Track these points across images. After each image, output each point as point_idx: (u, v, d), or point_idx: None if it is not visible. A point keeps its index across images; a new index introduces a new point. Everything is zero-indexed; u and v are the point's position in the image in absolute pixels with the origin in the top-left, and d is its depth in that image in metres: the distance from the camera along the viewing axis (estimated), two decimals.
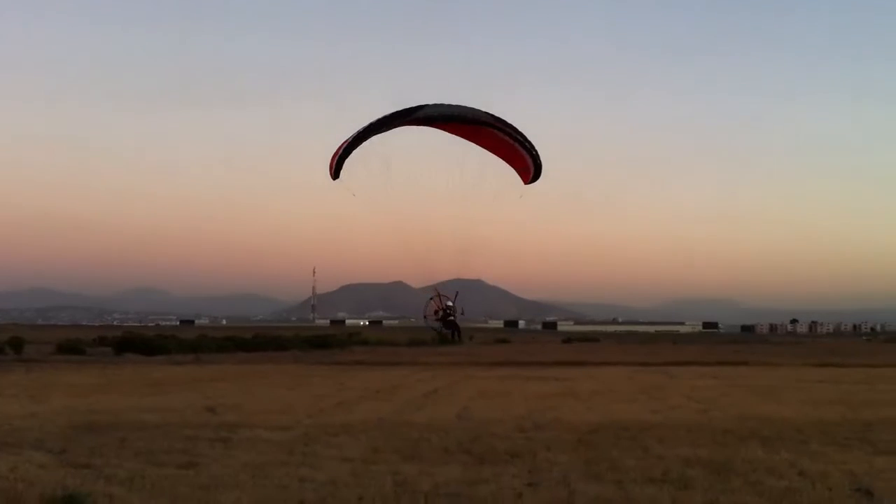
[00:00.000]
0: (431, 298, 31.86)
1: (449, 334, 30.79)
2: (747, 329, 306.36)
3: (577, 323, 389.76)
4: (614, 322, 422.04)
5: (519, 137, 23.71)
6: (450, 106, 22.20)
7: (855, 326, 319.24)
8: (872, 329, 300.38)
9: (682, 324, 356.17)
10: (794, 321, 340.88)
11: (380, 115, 21.75)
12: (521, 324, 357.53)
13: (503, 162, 25.09)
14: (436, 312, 30.72)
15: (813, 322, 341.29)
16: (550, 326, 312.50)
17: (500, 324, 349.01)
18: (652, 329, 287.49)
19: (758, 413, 22.17)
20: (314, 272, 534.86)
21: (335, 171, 21.52)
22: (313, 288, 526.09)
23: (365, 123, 21.74)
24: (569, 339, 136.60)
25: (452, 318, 30.17)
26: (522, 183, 25.52)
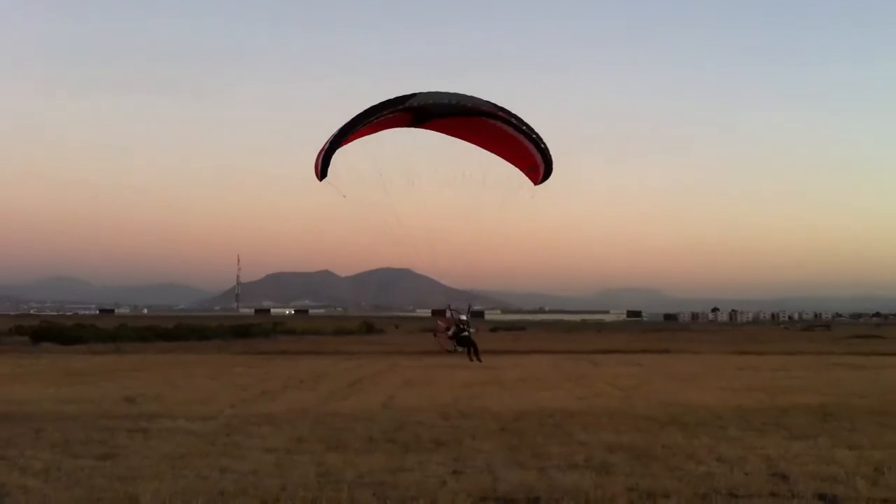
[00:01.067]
0: (443, 312, 31.37)
1: (465, 353, 30.01)
2: (670, 318, 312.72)
3: (504, 312, 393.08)
4: (541, 311, 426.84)
5: (524, 129, 22.11)
6: (445, 94, 20.56)
7: (773, 315, 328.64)
8: (790, 317, 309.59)
9: (607, 312, 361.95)
10: (715, 310, 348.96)
11: (366, 107, 20.08)
12: (449, 313, 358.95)
13: (507, 162, 23.67)
14: (448, 329, 29.96)
15: (733, 311, 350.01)
16: (478, 315, 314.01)
17: (427, 312, 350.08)
18: (578, 318, 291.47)
19: (678, 400, 22.56)
20: (238, 260, 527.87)
21: (322, 171, 19.75)
22: (237, 276, 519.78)
23: (350, 116, 20.04)
24: (496, 327, 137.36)
25: (467, 333, 29.56)
26: (532, 183, 24.16)
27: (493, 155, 23.49)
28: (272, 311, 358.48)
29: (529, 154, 22.72)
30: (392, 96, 20.19)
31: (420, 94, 20.08)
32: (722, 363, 42.69)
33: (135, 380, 30.65)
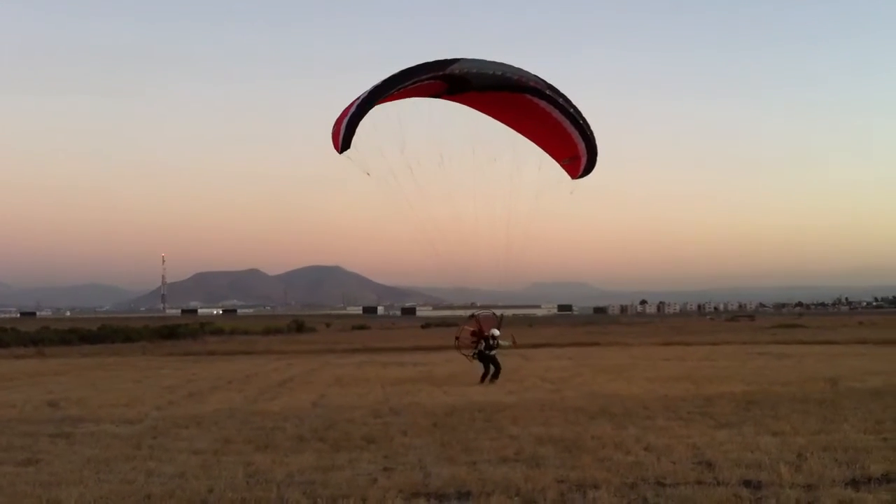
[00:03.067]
0: (471, 317, 28.19)
1: (481, 369, 26.53)
2: (600, 311, 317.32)
3: (435, 308, 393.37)
4: (472, 306, 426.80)
5: (571, 111, 19.83)
6: (490, 63, 18.18)
7: (699, 306, 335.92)
8: (716, 308, 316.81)
9: (538, 307, 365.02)
10: (643, 302, 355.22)
11: (401, 69, 17.45)
12: (380, 310, 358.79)
13: (543, 150, 21.23)
14: (474, 334, 26.92)
15: (661, 303, 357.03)
16: (409, 312, 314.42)
17: (358, 310, 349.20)
18: (509, 312, 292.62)
19: (607, 391, 22.81)
20: (163, 260, 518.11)
21: (344, 140, 16.88)
22: (163, 276, 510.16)
23: (381, 79, 17.33)
24: (427, 324, 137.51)
25: (494, 352, 26.55)
26: (570, 177, 21.74)
27: (527, 139, 21.19)
28: (199, 311, 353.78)
29: (572, 142, 20.40)
30: (428, 61, 17.69)
31: (464, 60, 17.74)
32: (650, 354, 43.34)
33: (58, 384, 29.83)
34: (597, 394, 22.16)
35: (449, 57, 17.73)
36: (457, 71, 17.39)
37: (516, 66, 18.86)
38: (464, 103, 19.89)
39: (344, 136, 16.87)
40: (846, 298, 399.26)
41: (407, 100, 18.92)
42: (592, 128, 20.61)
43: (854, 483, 10.41)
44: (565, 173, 21.72)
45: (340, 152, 17.12)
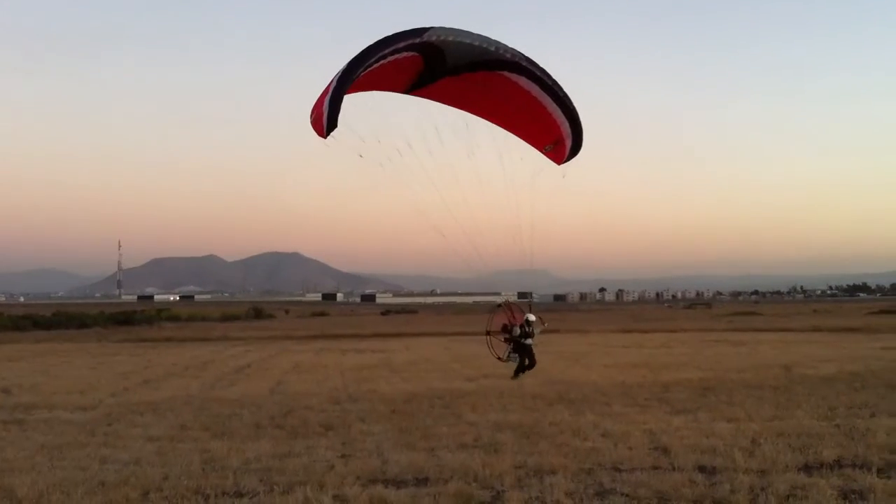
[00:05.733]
0: (500, 306, 24.72)
1: (515, 360, 23.62)
2: (559, 298, 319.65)
3: (395, 295, 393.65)
4: (433, 293, 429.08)
5: (550, 83, 18.37)
6: (465, 32, 16.76)
7: (658, 294, 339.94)
8: (673, 296, 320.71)
9: (498, 294, 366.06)
10: (602, 290, 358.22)
11: (377, 39, 16.05)
12: (340, 296, 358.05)
13: (522, 139, 19.77)
14: (505, 329, 23.67)
15: (620, 290, 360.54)
16: (369, 299, 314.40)
17: (318, 297, 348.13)
18: (470, 300, 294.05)
19: (566, 378, 22.94)
20: (119, 245, 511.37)
21: (329, 120, 15.35)
22: (119, 262, 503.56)
23: (351, 56, 15.73)
24: (387, 311, 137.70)
25: (530, 340, 23.42)
26: (555, 163, 20.05)
27: (507, 132, 19.78)
28: (156, 297, 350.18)
29: (554, 124, 18.87)
30: (402, 30, 16.30)
31: (437, 27, 16.38)
32: (608, 341, 43.73)
33: (10, 370, 29.44)
34: (555, 381, 22.26)
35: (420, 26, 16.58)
36: (433, 39, 16.34)
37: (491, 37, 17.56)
38: (436, 98, 18.84)
39: (329, 115, 15.42)
40: (801, 287, 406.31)
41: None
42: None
43: (807, 468, 10.55)
44: (541, 166, 20.26)
45: (326, 135, 15.57)
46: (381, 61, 16.14)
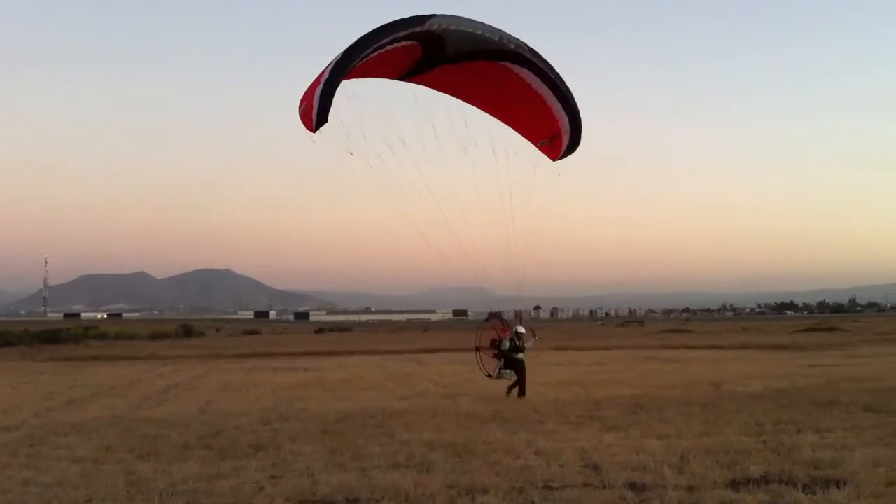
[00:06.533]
0: (487, 320, 24.00)
1: (507, 377, 22.67)
2: (495, 316, 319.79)
3: (329, 312, 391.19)
4: (367, 311, 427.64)
5: (552, 77, 17.79)
6: (468, 20, 16.11)
7: (591, 312, 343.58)
8: (607, 314, 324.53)
9: (433, 311, 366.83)
10: (537, 307, 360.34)
11: (375, 27, 15.37)
12: (273, 314, 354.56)
13: (518, 132, 19.08)
14: (493, 343, 22.58)
15: (554, 308, 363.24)
16: (303, 316, 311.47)
17: (250, 315, 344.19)
18: (404, 317, 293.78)
19: (500, 395, 22.92)
20: (46, 262, 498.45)
21: (319, 114, 14.46)
22: (45, 279, 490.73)
23: (354, 39, 15.09)
24: (321, 328, 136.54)
25: (521, 354, 22.52)
26: (549, 159, 19.33)
27: (503, 124, 18.98)
28: (83, 315, 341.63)
29: (552, 119, 18.21)
30: (403, 17, 15.59)
31: (439, 15, 15.64)
32: (542, 359, 43.76)
33: None
34: (489, 398, 22.25)
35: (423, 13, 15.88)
36: (435, 27, 15.62)
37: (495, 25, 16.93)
38: (432, 86, 18.11)
39: (319, 109, 14.52)
40: (731, 305, 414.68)
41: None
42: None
43: (734, 484, 10.68)
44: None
45: (315, 129, 14.73)
46: (379, 51, 15.50)
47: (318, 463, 12.77)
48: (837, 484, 10.49)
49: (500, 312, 23.91)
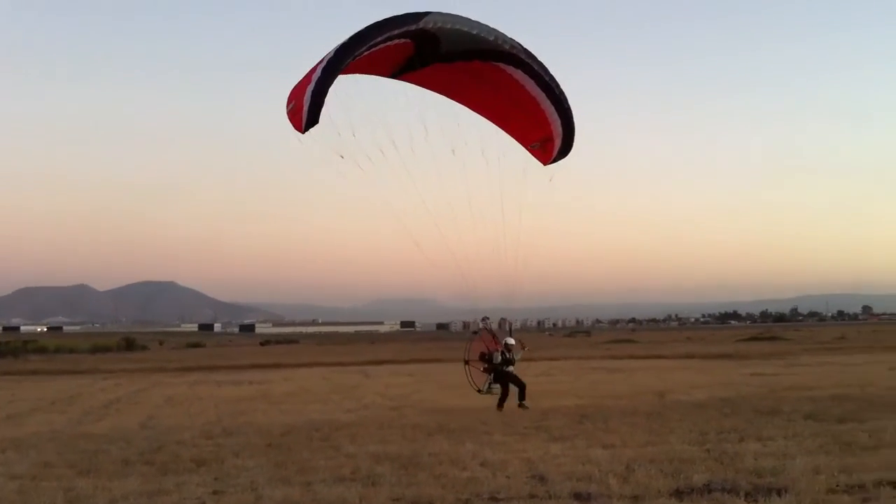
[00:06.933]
0: (476, 333, 22.88)
1: (498, 391, 21.91)
2: (442, 327, 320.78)
3: (276, 325, 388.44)
4: (314, 323, 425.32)
5: (547, 79, 17.48)
6: (464, 19, 15.71)
7: (539, 322, 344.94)
8: (554, 324, 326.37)
9: (381, 323, 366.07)
10: (485, 318, 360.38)
11: (369, 24, 14.91)
12: (217, 327, 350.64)
13: (509, 133, 18.67)
14: (483, 356, 21.87)
15: (502, 319, 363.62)
16: (248, 329, 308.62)
17: (194, 327, 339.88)
18: (352, 329, 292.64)
19: (446, 407, 22.94)
20: None
21: (310, 113, 13.80)
22: None
23: (348, 36, 14.64)
24: (267, 341, 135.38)
25: (511, 367, 21.83)
26: (540, 163, 19.01)
27: (493, 125, 18.58)
28: (22, 328, 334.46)
29: (545, 121, 17.88)
30: (397, 14, 15.09)
31: (435, 13, 15.17)
32: None
33: None
34: (436, 410, 22.21)
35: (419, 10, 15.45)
36: (430, 25, 15.19)
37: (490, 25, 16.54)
38: (422, 84, 17.64)
39: (310, 108, 13.78)
40: (676, 315, 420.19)
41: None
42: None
43: (678, 493, 10.74)
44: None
45: (304, 130, 14.01)
46: (373, 49, 15.01)
47: (262, 477, 12.59)
48: (779, 492, 10.60)
49: (488, 323, 22.85)
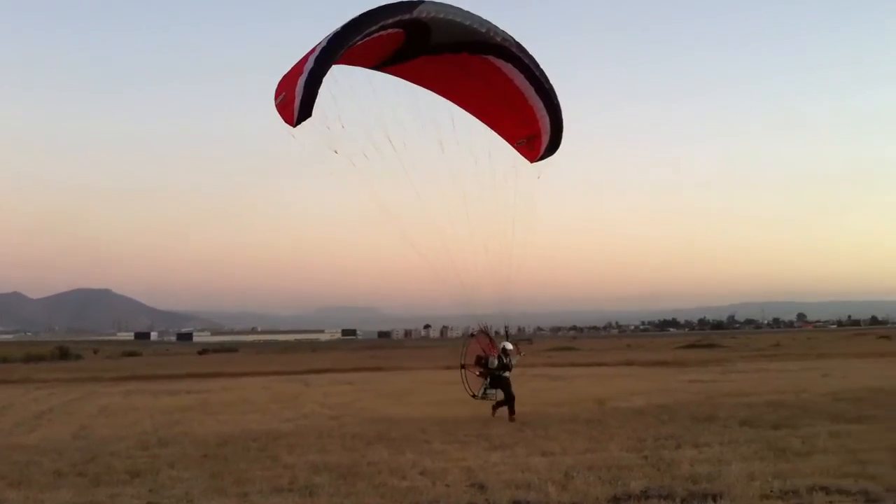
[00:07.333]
0: (473, 335, 22.25)
1: (494, 398, 21.40)
2: (384, 335, 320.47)
3: (214, 333, 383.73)
4: (254, 331, 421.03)
5: (537, 73, 17.09)
6: (456, 9, 15.32)
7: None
8: (496, 332, 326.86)
9: (322, 332, 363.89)
10: (427, 326, 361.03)
11: (361, 12, 14.32)
12: (154, 335, 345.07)
13: (495, 130, 18.24)
14: (479, 361, 21.32)
15: (444, 327, 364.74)
16: (186, 337, 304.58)
17: (130, 336, 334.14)
18: (292, 338, 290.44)
19: (387, 416, 22.80)
20: None
21: (302, 104, 13.08)
22: None
23: (340, 25, 14.17)
24: (205, 350, 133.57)
25: (508, 372, 21.32)
26: (527, 161, 18.58)
27: (479, 121, 18.16)
28: None
29: (532, 118, 17.49)
30: (390, 2, 14.56)
31: (428, 2, 14.75)
32: (431, 378, 43.86)
33: None
34: (376, 419, 22.08)
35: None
36: (423, 14, 14.72)
37: (483, 17, 16.18)
38: (407, 77, 17.08)
39: (303, 100, 13.05)
40: (616, 322, 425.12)
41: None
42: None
43: (616, 500, 10.84)
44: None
45: (296, 123, 13.22)
46: (366, 38, 14.48)
47: (198, 489, 12.40)
48: (714, 498, 10.76)
49: (486, 327, 22.10)
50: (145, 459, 15.59)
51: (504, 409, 21.51)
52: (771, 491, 11.09)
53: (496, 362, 21.11)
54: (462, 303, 19.39)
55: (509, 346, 21.62)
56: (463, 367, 21.55)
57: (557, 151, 18.50)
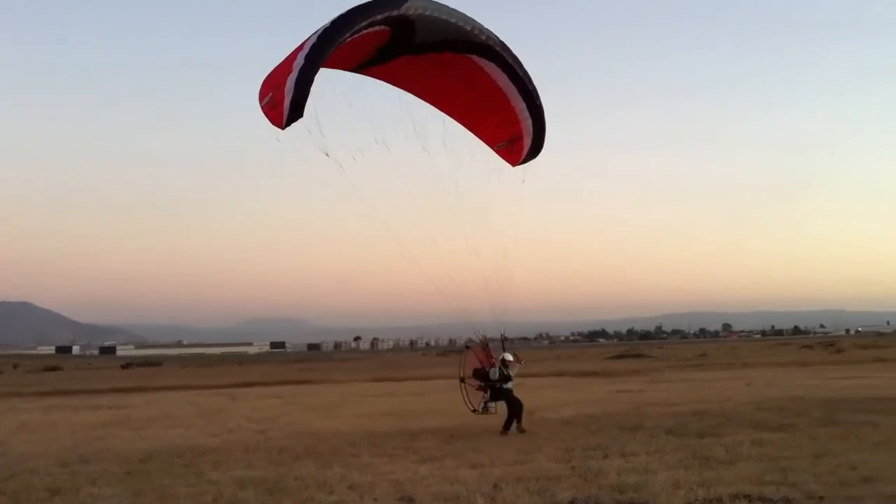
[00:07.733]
0: (469, 347, 21.36)
1: (495, 411, 20.69)
2: (314, 347, 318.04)
3: (138, 346, 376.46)
4: (179, 345, 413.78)
5: (521, 73, 16.73)
6: (443, 6, 15.01)
7: (412, 342, 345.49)
8: (427, 343, 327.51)
9: (250, 344, 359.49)
10: (357, 338, 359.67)
11: (350, 7, 13.82)
12: (76, 349, 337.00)
13: (475, 133, 17.90)
14: (478, 373, 20.55)
15: (375, 338, 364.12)
16: (109, 351, 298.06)
17: (51, 350, 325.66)
18: (219, 351, 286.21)
19: (315, 429, 22.58)
20: None
21: (293, 104, 12.35)
22: None
23: (329, 21, 13.65)
24: (129, 363, 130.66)
25: (509, 384, 20.54)
26: (509, 164, 18.22)
27: (459, 124, 17.77)
28: None
29: (514, 120, 17.09)
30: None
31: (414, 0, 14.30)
32: (361, 391, 43.65)
33: None
34: (303, 433, 21.86)
35: None
36: (411, 11, 14.31)
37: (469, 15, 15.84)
38: (385, 79, 16.62)
39: (293, 100, 12.32)
40: (546, 333, 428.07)
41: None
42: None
43: None
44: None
45: (285, 125, 12.54)
46: (355, 35, 13.91)
47: None
48: None
49: (484, 337, 20.97)
50: (66, 477, 15.17)
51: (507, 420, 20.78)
52: (696, 499, 11.25)
53: (496, 374, 20.46)
54: (459, 312, 19.01)
55: (509, 356, 20.89)
56: (462, 380, 20.91)
57: (540, 154, 18.24)
